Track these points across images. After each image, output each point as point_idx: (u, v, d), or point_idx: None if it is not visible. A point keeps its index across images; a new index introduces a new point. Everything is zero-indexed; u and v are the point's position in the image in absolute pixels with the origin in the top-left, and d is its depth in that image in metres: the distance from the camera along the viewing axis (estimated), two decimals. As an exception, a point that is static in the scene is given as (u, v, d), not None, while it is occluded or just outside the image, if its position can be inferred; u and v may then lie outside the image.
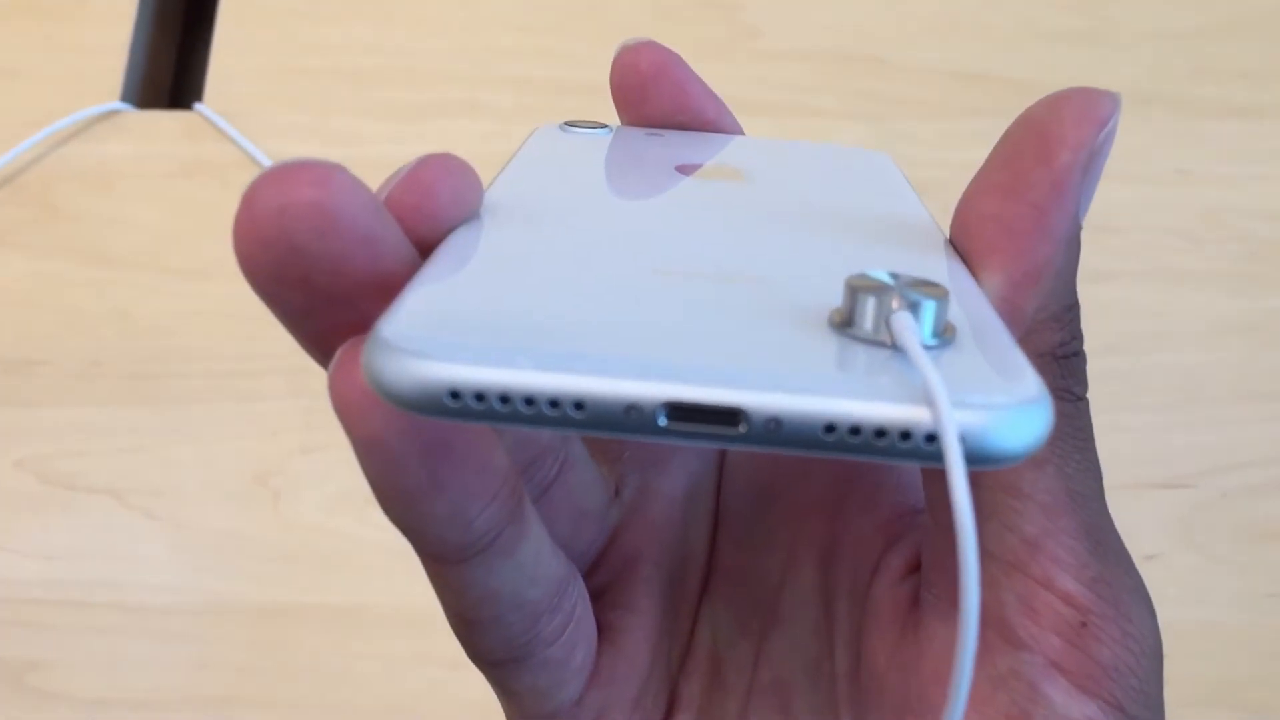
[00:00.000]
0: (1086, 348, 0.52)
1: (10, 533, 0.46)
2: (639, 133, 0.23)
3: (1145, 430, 0.46)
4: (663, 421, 0.12)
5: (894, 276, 0.14)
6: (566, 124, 0.24)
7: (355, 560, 0.45)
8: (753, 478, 0.22)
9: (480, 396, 0.12)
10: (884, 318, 0.13)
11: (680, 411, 0.12)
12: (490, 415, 0.12)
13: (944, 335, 0.13)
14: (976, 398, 0.12)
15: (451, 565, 0.17)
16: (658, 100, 0.21)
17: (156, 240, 0.50)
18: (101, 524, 0.46)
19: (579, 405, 0.12)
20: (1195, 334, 0.47)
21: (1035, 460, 0.17)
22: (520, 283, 0.14)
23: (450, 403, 0.12)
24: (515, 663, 0.19)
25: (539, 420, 0.12)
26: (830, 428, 0.12)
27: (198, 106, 0.52)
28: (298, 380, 0.48)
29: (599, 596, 0.21)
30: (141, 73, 0.55)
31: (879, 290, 0.13)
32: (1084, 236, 0.52)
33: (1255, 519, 0.45)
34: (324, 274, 0.14)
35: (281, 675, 0.43)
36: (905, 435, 0.12)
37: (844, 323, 0.14)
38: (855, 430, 0.12)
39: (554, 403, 0.12)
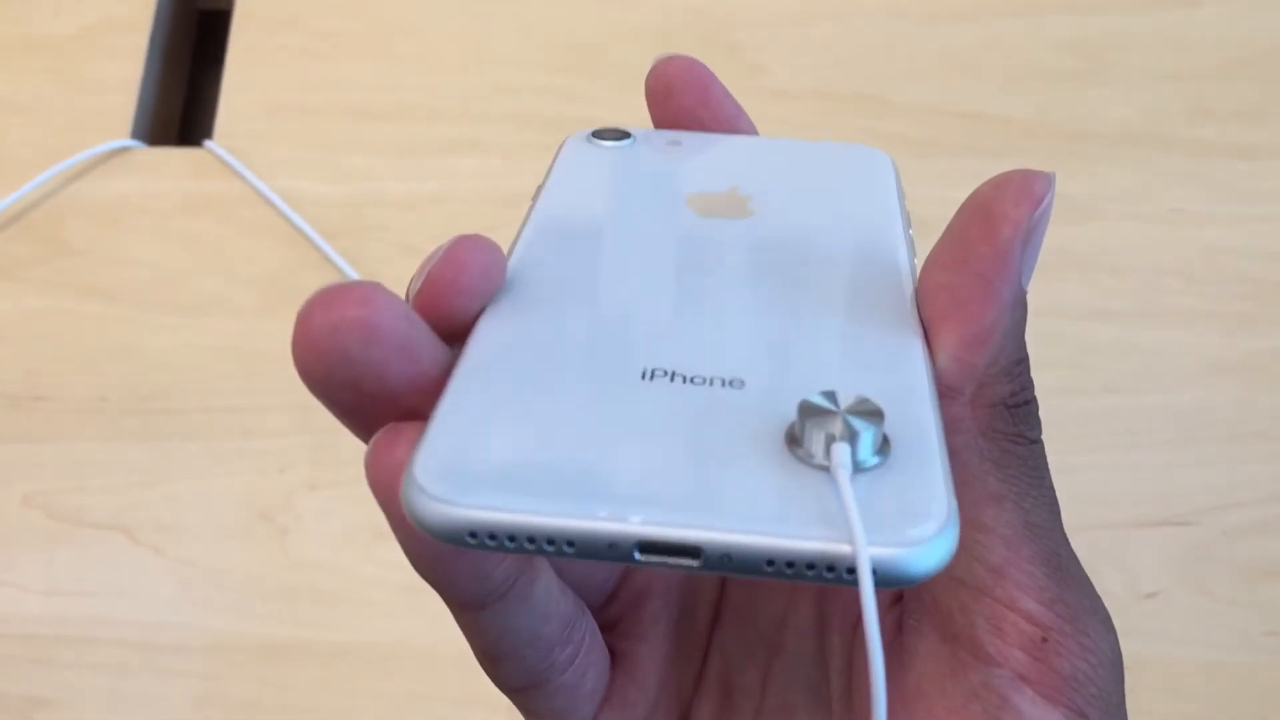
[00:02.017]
0: (1086, 386, 0.52)
1: (16, 568, 0.46)
2: (660, 141, 0.25)
3: (1145, 469, 0.46)
4: (637, 555, 0.15)
5: (839, 403, 0.16)
6: (594, 135, 0.26)
7: (360, 597, 0.45)
8: None
9: (492, 535, 0.15)
10: (826, 446, 0.16)
11: (650, 547, 0.15)
12: (502, 547, 0.15)
13: (882, 451, 0.16)
14: (892, 534, 0.15)
15: (474, 611, 0.20)
16: (680, 97, 0.24)
17: (165, 276, 0.51)
18: (107, 560, 0.46)
19: (571, 543, 0.15)
20: (1193, 373, 0.48)
21: (995, 497, 0.19)
22: (526, 418, 0.17)
23: (469, 539, 0.15)
24: (534, 689, 0.21)
25: (541, 551, 0.15)
26: (770, 561, 0.15)
27: (207, 144, 0.53)
28: (304, 417, 0.48)
29: (613, 627, 0.23)
30: (151, 110, 0.56)
31: (823, 419, 0.16)
32: (1083, 277, 0.52)
33: (1255, 557, 0.45)
34: (370, 378, 0.17)
35: (286, 712, 0.43)
36: (831, 568, 0.15)
37: (794, 442, 0.16)
38: (790, 564, 0.15)
39: (551, 541, 0.15)
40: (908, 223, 0.23)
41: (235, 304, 0.50)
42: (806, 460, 0.16)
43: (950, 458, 0.17)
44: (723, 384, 0.18)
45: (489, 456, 0.16)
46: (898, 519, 0.15)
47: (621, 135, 0.26)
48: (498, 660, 0.21)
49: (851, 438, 0.16)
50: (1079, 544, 0.47)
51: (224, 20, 0.56)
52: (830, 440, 0.16)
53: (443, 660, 0.44)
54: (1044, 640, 0.19)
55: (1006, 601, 0.19)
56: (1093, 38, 0.54)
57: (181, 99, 0.60)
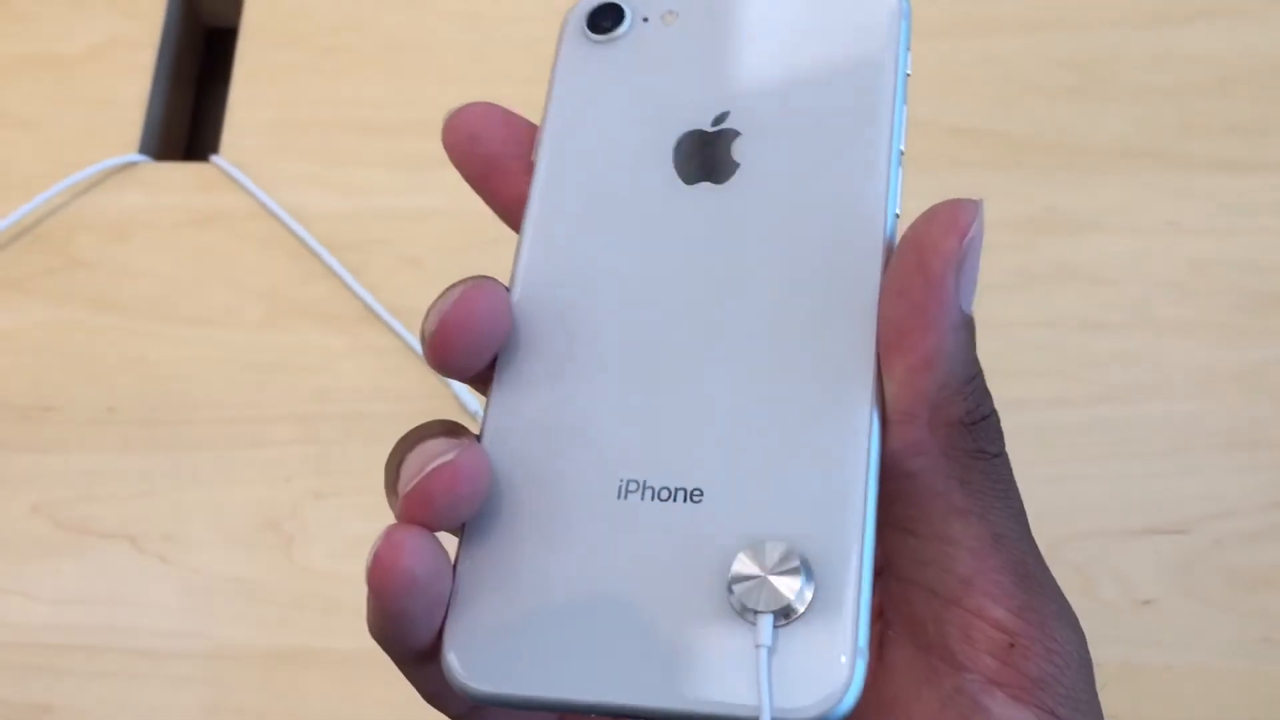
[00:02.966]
0: (1081, 396, 0.52)
1: (25, 577, 0.47)
2: (656, 18, 0.25)
3: (1139, 477, 0.47)
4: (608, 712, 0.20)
5: (766, 562, 0.19)
6: (589, 27, 0.26)
7: (366, 605, 0.46)
8: None
9: (504, 703, 0.20)
10: (754, 611, 0.19)
11: (614, 709, 0.19)
12: (513, 709, 0.20)
13: (802, 599, 0.19)
14: (801, 696, 0.18)
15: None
16: (487, 144, 0.25)
17: (171, 289, 0.52)
18: (114, 568, 0.47)
19: (559, 706, 0.20)
20: (1187, 383, 0.48)
21: (961, 511, 0.21)
22: (523, 594, 0.21)
23: (489, 703, 0.21)
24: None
25: (540, 711, 0.20)
26: None
27: (213, 158, 0.54)
28: (309, 427, 0.49)
29: None
30: (159, 126, 0.57)
31: (751, 587, 0.19)
32: (1077, 288, 0.53)
33: (1250, 565, 0.46)
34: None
35: (292, 719, 0.44)
36: None
37: (729, 588, 0.19)
38: None
39: (544, 706, 0.20)
40: (903, 95, 0.24)
41: (241, 316, 0.51)
42: (740, 614, 0.19)
43: (915, 477, 0.20)
44: (685, 497, 0.20)
45: (497, 643, 0.21)
46: (808, 679, 0.18)
47: (617, 18, 0.25)
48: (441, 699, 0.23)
49: (775, 603, 0.19)
50: (1074, 552, 0.48)
51: (230, 37, 0.57)
52: (755, 610, 0.19)
53: (447, 667, 0.44)
54: (1011, 645, 0.20)
55: (975, 610, 0.20)
56: (1087, 54, 0.55)
57: (188, 115, 0.61)
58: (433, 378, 0.49)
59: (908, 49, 0.24)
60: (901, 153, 0.23)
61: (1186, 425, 0.48)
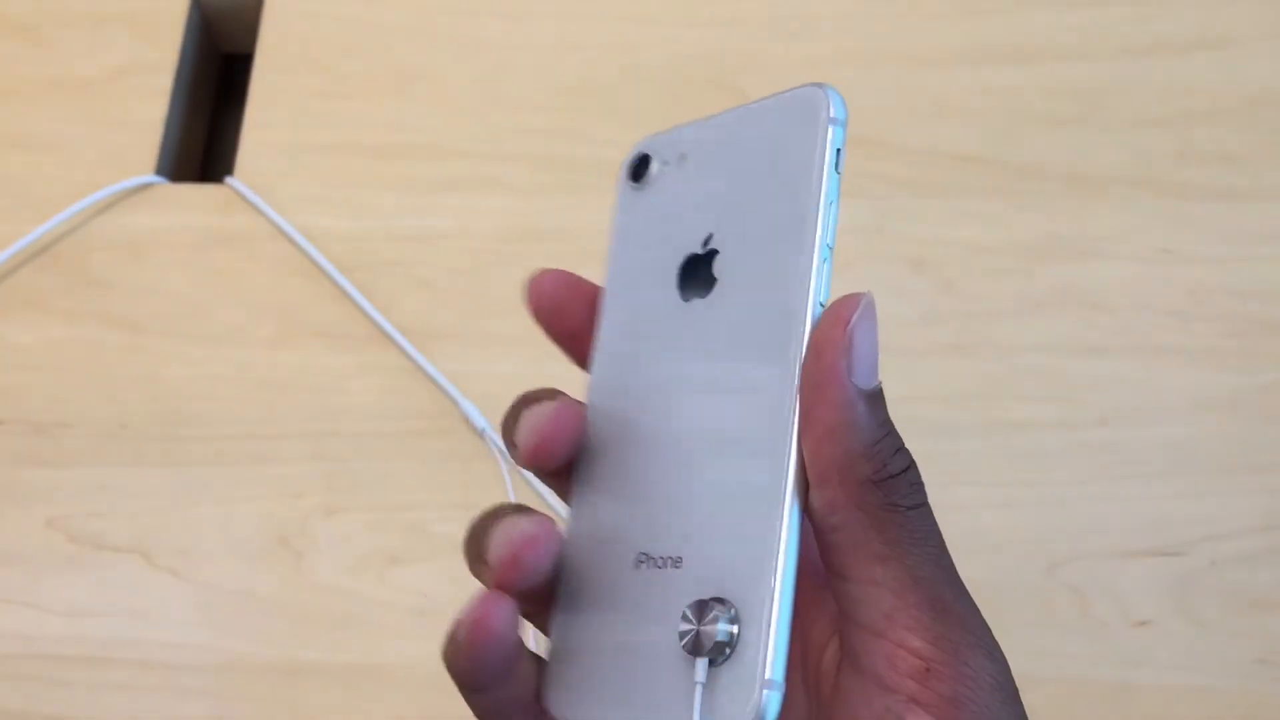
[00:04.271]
0: (1079, 419, 0.53)
1: (38, 590, 0.47)
2: (672, 160, 0.29)
3: (1136, 500, 0.48)
4: None
5: (701, 619, 0.24)
6: (630, 177, 0.30)
7: (374, 619, 0.46)
8: None
9: None
10: (690, 654, 0.24)
11: None
12: None
13: (730, 644, 0.23)
14: None
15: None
16: (567, 320, 0.29)
17: (186, 308, 0.52)
18: (125, 582, 0.47)
19: None
20: (1182, 408, 0.49)
21: (881, 557, 0.24)
22: (585, 659, 0.26)
23: None
24: None
25: None
26: None
27: (229, 180, 0.55)
28: (320, 444, 0.50)
29: None
30: (175, 148, 0.58)
31: (690, 636, 0.24)
32: (1076, 314, 0.54)
33: (1245, 587, 0.46)
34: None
35: (300, 731, 0.45)
36: None
37: (679, 638, 0.24)
38: None
39: None
40: (832, 195, 0.26)
41: (254, 335, 0.52)
42: (689, 657, 0.24)
43: (839, 530, 0.24)
44: (671, 564, 0.25)
45: (571, 685, 0.26)
46: (734, 707, 0.23)
47: (646, 167, 0.30)
48: None
49: (704, 649, 0.23)
50: (1071, 573, 0.49)
51: (246, 62, 0.58)
52: (691, 654, 0.24)
53: (454, 683, 0.45)
54: (927, 670, 0.24)
55: (897, 640, 0.24)
56: (1086, 84, 0.56)
57: (204, 137, 0.62)
58: (443, 399, 0.50)
59: (838, 150, 0.26)
60: (830, 248, 0.26)
61: (1183, 449, 0.48)
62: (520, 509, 0.27)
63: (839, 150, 0.26)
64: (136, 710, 0.45)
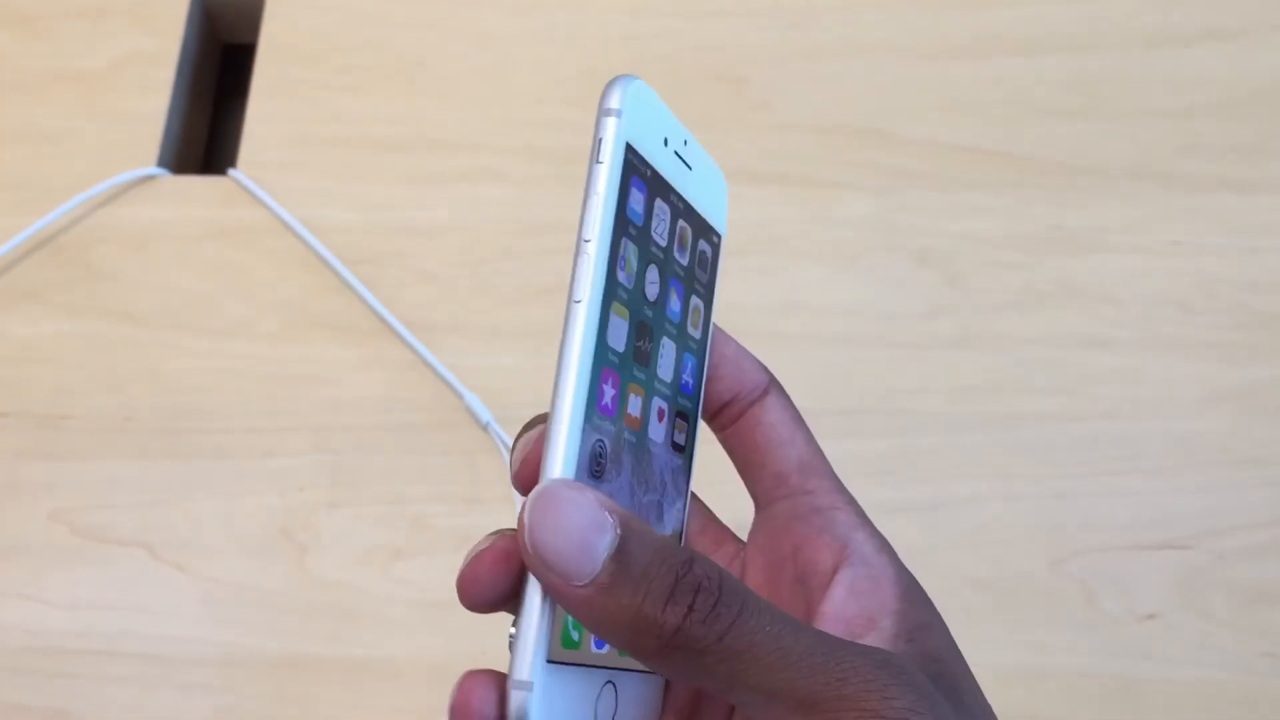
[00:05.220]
0: (1085, 413, 0.53)
1: (42, 583, 0.47)
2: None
3: (1143, 493, 0.47)
4: None
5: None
6: None
7: (377, 613, 0.46)
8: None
9: None
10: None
11: None
12: None
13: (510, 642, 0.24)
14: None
15: None
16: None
17: (189, 300, 0.52)
18: (129, 575, 0.47)
19: None
20: (1189, 401, 0.49)
21: (721, 692, 0.23)
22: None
23: None
24: None
25: None
26: None
27: (231, 172, 0.54)
28: (323, 438, 0.49)
29: None
30: (177, 140, 0.58)
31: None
32: (1083, 306, 0.53)
33: (1251, 580, 0.46)
34: None
35: (304, 725, 0.45)
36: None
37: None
38: None
39: None
40: (587, 195, 0.25)
41: (258, 328, 0.52)
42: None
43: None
44: None
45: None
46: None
47: None
48: None
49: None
50: (1077, 566, 0.49)
51: (248, 54, 0.58)
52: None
53: (457, 675, 0.45)
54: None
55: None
56: (1092, 75, 0.56)
57: (206, 129, 0.62)
58: (446, 391, 0.50)
59: (599, 140, 0.25)
60: (587, 241, 0.25)
61: (1189, 442, 0.48)
62: (499, 533, 0.25)
63: (600, 140, 0.25)
64: (140, 703, 0.45)
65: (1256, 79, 0.55)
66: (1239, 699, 0.44)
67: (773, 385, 0.29)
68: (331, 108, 0.56)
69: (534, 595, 0.23)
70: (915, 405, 0.49)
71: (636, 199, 0.26)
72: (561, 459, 0.24)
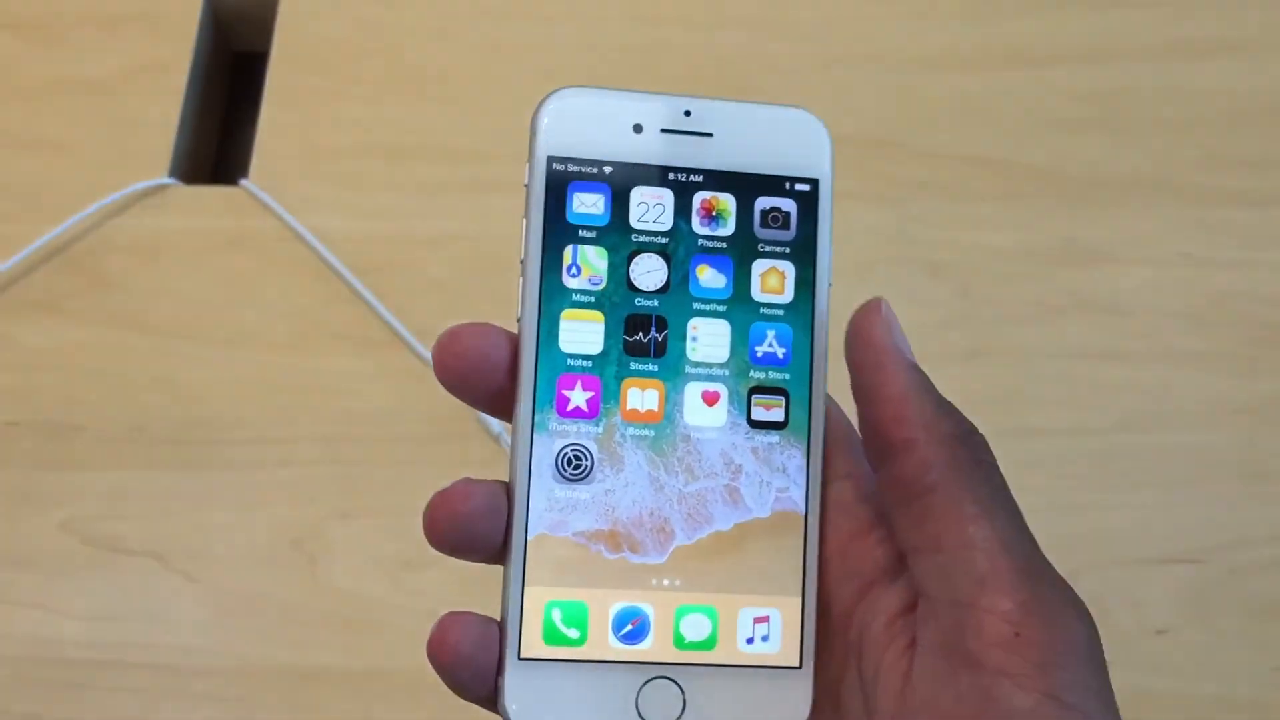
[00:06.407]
0: (1097, 425, 0.53)
1: (52, 593, 0.47)
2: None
3: (1154, 506, 0.47)
4: None
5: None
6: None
7: (388, 624, 0.46)
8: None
9: None
10: None
11: None
12: None
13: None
14: None
15: None
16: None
17: (200, 310, 0.52)
18: (139, 586, 0.47)
19: None
20: (1201, 414, 0.49)
21: (973, 518, 0.24)
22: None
23: None
24: None
25: None
26: None
27: (243, 182, 0.55)
28: (334, 448, 0.49)
29: None
30: (188, 150, 0.58)
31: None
32: (1095, 319, 0.53)
33: (1263, 595, 0.46)
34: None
35: (314, 736, 0.44)
36: None
37: None
38: None
39: None
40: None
41: (269, 338, 0.52)
42: None
43: (933, 492, 0.24)
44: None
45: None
46: None
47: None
48: None
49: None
50: (1089, 580, 0.48)
51: (259, 63, 0.58)
52: None
53: (468, 688, 0.45)
54: (1016, 635, 0.23)
55: (988, 607, 0.23)
56: (1104, 88, 0.56)
57: (217, 139, 0.62)
58: (457, 401, 0.50)
59: (529, 160, 0.27)
60: (522, 262, 0.27)
61: (1201, 455, 0.48)
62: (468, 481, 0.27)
63: (529, 161, 0.26)
64: (149, 714, 0.45)
65: (1270, 92, 0.55)
66: (1251, 714, 0.44)
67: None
68: (344, 117, 0.56)
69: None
70: (927, 418, 0.49)
71: (586, 201, 0.26)
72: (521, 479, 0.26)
